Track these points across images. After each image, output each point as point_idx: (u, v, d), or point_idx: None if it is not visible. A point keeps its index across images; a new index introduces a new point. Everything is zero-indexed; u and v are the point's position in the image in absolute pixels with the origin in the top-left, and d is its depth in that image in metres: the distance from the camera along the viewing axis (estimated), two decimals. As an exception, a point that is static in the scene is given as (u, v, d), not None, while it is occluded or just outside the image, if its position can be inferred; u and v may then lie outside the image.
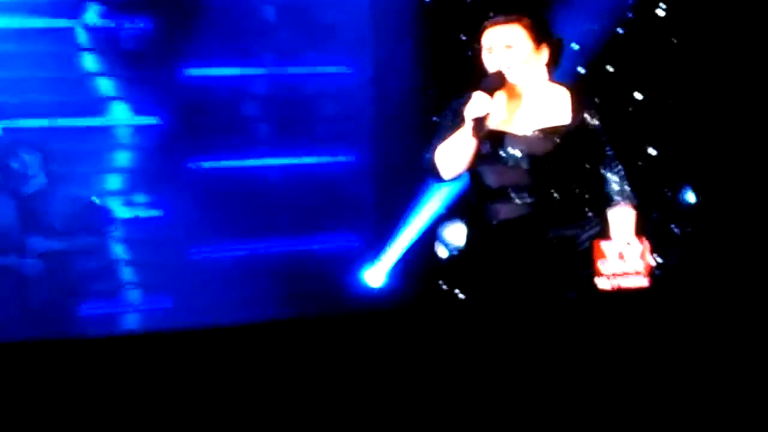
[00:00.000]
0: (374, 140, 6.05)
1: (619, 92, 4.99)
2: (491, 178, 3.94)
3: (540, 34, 3.92)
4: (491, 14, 3.93)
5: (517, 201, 3.91)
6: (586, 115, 3.90)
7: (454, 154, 3.92)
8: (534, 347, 3.69)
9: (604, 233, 3.82)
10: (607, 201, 3.87)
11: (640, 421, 3.37)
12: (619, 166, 3.89)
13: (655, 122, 5.00)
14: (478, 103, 3.85)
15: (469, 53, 5.64)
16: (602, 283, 3.49)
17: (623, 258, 3.53)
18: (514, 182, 3.90)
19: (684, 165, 4.95)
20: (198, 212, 6.13)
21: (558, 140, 3.89)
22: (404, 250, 5.91)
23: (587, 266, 3.73)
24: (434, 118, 5.81)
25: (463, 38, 5.68)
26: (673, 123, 5.01)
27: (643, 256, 3.48)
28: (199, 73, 6.23)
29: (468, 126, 3.88)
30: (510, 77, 3.90)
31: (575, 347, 3.56)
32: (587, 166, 3.88)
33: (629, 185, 3.86)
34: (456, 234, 5.65)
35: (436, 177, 3.99)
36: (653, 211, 4.66)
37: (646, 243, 3.55)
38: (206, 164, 6.30)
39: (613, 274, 3.49)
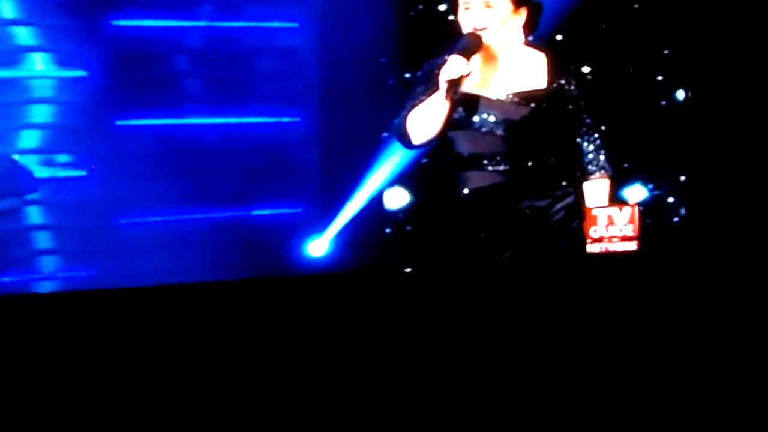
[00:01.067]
0: (321, 101, 6.11)
1: (598, 58, 5.14)
2: (463, 144, 4.10)
3: None
4: None
5: (490, 169, 4.07)
6: (562, 81, 4.09)
7: (426, 119, 4.06)
8: (511, 322, 3.84)
9: (578, 204, 4.00)
10: (583, 171, 4.05)
11: (629, 393, 3.52)
12: (596, 136, 4.07)
13: (637, 90, 5.16)
14: (453, 66, 3.98)
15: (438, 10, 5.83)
16: (592, 248, 3.64)
17: (613, 222, 3.69)
18: (487, 149, 4.07)
19: (668, 133, 5.11)
20: (127, 174, 6.12)
21: (533, 106, 4.06)
22: (350, 218, 6.01)
23: (562, 236, 3.91)
24: (389, 82, 5.98)
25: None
26: (655, 91, 5.17)
27: (632, 220, 3.64)
28: (129, 23, 6.21)
29: (442, 89, 4.01)
30: (486, 38, 4.04)
31: (558, 314, 3.70)
32: (563, 134, 4.05)
33: (606, 155, 4.03)
34: (393, 198, 5.79)
35: (406, 143, 4.13)
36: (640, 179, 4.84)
37: (636, 207, 3.72)
38: (136, 122, 6.29)
39: (602, 238, 3.66)
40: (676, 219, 4.77)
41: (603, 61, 5.12)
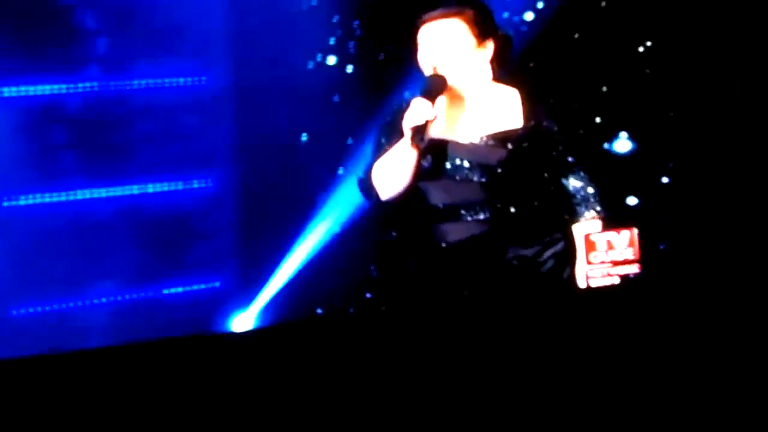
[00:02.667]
0: (235, 161, 5.94)
1: (577, 90, 5.12)
2: (437, 195, 3.95)
3: (484, 28, 3.94)
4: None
5: (469, 219, 3.93)
6: (540, 118, 3.97)
7: (393, 171, 3.90)
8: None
9: (569, 250, 3.92)
10: (571, 214, 3.95)
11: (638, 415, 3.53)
12: (581, 173, 3.97)
13: (620, 121, 5.16)
14: (417, 111, 3.85)
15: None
16: (593, 273, 3.60)
17: (612, 247, 3.66)
18: (464, 198, 3.92)
19: (658, 163, 5.13)
20: (17, 259, 5.83)
21: (511, 147, 3.93)
22: (281, 288, 5.83)
23: (553, 286, 3.83)
24: (303, 136, 5.85)
25: (358, 34, 5.72)
26: (640, 120, 5.18)
27: (632, 244, 3.62)
28: (9, 92, 5.95)
29: (407, 137, 3.88)
30: (451, 79, 3.93)
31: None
32: (546, 175, 3.96)
33: (596, 194, 3.95)
34: None
35: (373, 199, 3.97)
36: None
37: (635, 230, 3.69)
38: (25, 200, 6.02)
39: (603, 263, 3.64)
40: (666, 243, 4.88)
41: (581, 91, 5.16)
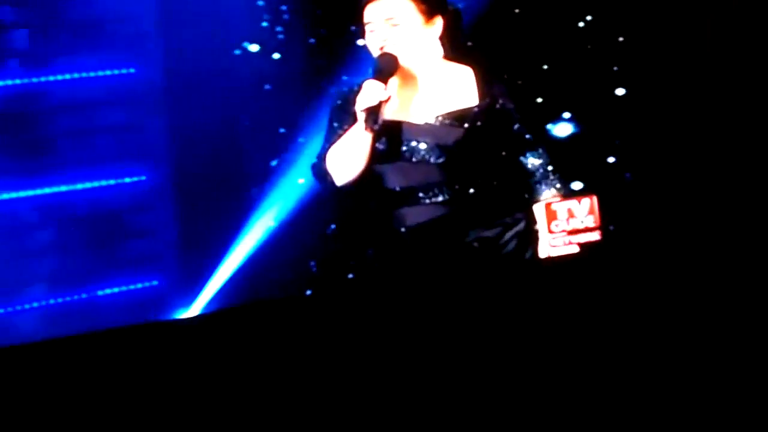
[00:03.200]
0: (169, 154, 5.83)
1: (532, 64, 5.10)
2: (393, 178, 3.90)
3: (431, 5, 3.90)
4: None
5: (427, 202, 3.88)
6: (495, 95, 3.93)
7: (348, 156, 3.85)
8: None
9: (531, 230, 3.91)
10: (531, 192, 3.92)
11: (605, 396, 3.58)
12: (541, 151, 3.94)
13: (576, 95, 5.15)
14: (370, 92, 3.79)
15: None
16: (554, 242, 3.66)
17: (573, 215, 3.67)
18: (422, 180, 3.87)
19: (616, 137, 5.15)
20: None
21: (467, 126, 3.89)
22: (225, 283, 5.74)
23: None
24: (237, 127, 5.75)
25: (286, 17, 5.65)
26: (597, 94, 5.18)
27: (592, 211, 3.64)
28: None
29: (360, 120, 3.83)
30: (401, 58, 3.87)
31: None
32: (504, 153, 3.94)
33: (555, 172, 3.94)
34: None
35: (329, 184, 3.91)
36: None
37: (594, 197, 3.70)
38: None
39: (564, 231, 3.65)
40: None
41: (536, 66, 5.13)
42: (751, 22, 5.01)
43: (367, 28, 3.92)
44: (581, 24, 5.18)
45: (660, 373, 3.63)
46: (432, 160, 3.91)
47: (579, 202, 3.67)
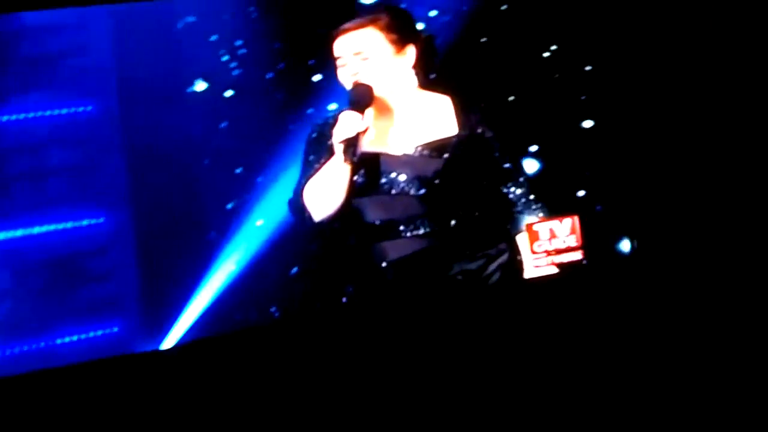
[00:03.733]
0: (128, 194, 5.73)
1: (510, 92, 5.07)
2: (373, 211, 3.85)
3: (401, 34, 3.86)
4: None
5: (408, 235, 3.83)
6: (473, 123, 3.89)
7: (326, 189, 3.79)
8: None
9: (514, 260, 3.87)
10: (514, 222, 3.89)
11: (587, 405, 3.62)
12: (522, 179, 3.90)
13: (555, 121, 5.15)
14: (347, 124, 3.75)
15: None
16: (537, 262, 3.68)
17: (555, 235, 3.66)
18: (402, 213, 3.82)
19: (596, 161, 5.16)
20: None
21: (447, 156, 3.85)
22: (187, 330, 5.64)
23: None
24: (205, 161, 5.65)
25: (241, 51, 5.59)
26: (575, 120, 5.18)
27: (574, 231, 3.66)
28: None
29: (338, 152, 3.78)
30: (376, 89, 3.83)
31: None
32: (485, 183, 3.89)
33: (538, 201, 3.89)
34: None
35: (306, 221, 3.84)
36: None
37: (576, 217, 3.69)
38: None
39: (546, 252, 3.68)
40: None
41: (515, 93, 5.10)
42: (719, 49, 5.05)
43: (337, 62, 3.88)
44: (553, 48, 5.18)
45: (646, 384, 3.68)
46: (412, 192, 3.86)
47: (561, 222, 3.70)
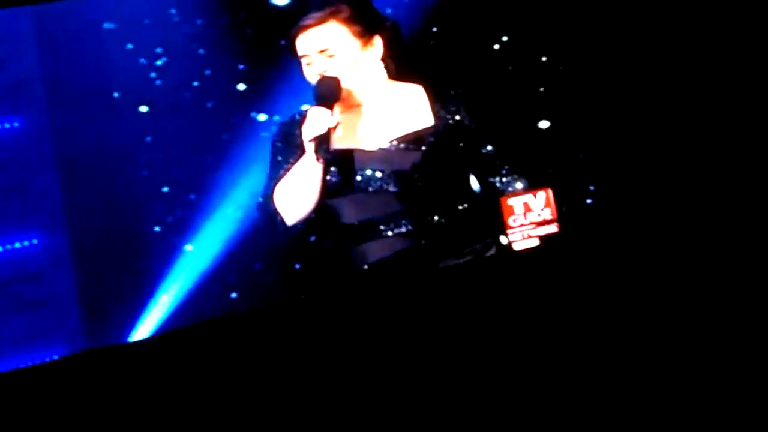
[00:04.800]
0: (63, 214, 5.52)
1: (484, 76, 5.01)
2: (350, 211, 3.70)
3: (366, 25, 3.72)
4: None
5: (390, 234, 3.70)
6: (450, 112, 3.77)
7: (298, 191, 3.65)
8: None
9: (503, 252, 3.76)
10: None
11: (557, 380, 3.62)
12: (506, 166, 3.79)
13: (535, 102, 5.13)
14: (316, 120, 3.61)
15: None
16: (513, 236, 3.69)
17: (530, 209, 3.66)
18: (381, 211, 3.69)
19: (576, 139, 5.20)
20: None
21: (425, 148, 3.72)
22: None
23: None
24: (144, 172, 5.46)
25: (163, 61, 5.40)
26: (557, 98, 5.17)
27: (548, 204, 3.65)
28: None
29: (309, 150, 3.63)
30: (344, 83, 3.69)
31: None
32: (467, 173, 3.76)
33: (527, 188, 3.80)
34: None
35: (278, 225, 3.68)
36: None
37: (550, 190, 3.68)
38: None
39: (522, 225, 3.68)
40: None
41: (488, 75, 5.05)
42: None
43: (303, 61, 3.73)
44: (522, 30, 5.19)
45: (624, 361, 3.70)
46: (391, 188, 3.72)
47: (535, 195, 3.68)
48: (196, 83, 5.64)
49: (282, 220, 3.69)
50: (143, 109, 5.53)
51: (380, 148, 3.75)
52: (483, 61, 5.10)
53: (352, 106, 3.75)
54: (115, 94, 5.51)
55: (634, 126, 5.12)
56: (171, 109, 5.59)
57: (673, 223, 3.93)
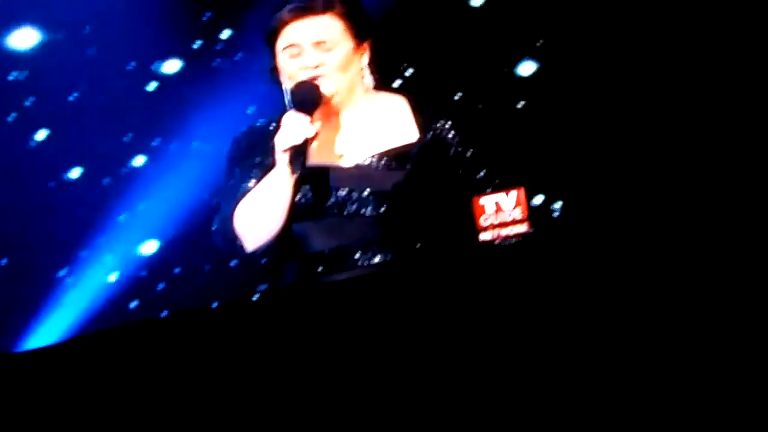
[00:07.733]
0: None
1: (471, 89, 4.91)
2: (319, 238, 3.46)
3: (359, 27, 3.51)
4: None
5: (365, 264, 3.46)
6: (437, 126, 3.57)
7: (262, 212, 3.38)
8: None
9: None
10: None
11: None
12: (497, 181, 3.68)
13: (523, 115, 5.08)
14: (292, 128, 3.35)
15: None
16: (484, 236, 3.61)
17: (501, 209, 3.57)
18: (356, 238, 3.46)
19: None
20: None
21: (409, 166, 3.50)
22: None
23: None
24: (65, 176, 5.21)
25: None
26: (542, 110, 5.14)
27: (519, 203, 3.59)
28: None
29: (281, 163, 3.37)
30: (325, 89, 3.45)
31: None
32: (454, 194, 3.56)
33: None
34: None
35: (236, 249, 3.41)
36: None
37: (522, 189, 3.59)
38: None
39: (493, 225, 3.59)
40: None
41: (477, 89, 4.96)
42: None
43: (288, 51, 3.47)
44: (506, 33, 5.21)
45: (613, 360, 3.62)
46: (368, 212, 3.46)
47: (506, 195, 3.61)
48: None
49: (241, 246, 3.43)
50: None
51: (357, 166, 3.49)
52: (469, 72, 5.03)
53: (330, 116, 3.50)
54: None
55: (619, 127, 5.20)
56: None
57: (656, 221, 3.93)
